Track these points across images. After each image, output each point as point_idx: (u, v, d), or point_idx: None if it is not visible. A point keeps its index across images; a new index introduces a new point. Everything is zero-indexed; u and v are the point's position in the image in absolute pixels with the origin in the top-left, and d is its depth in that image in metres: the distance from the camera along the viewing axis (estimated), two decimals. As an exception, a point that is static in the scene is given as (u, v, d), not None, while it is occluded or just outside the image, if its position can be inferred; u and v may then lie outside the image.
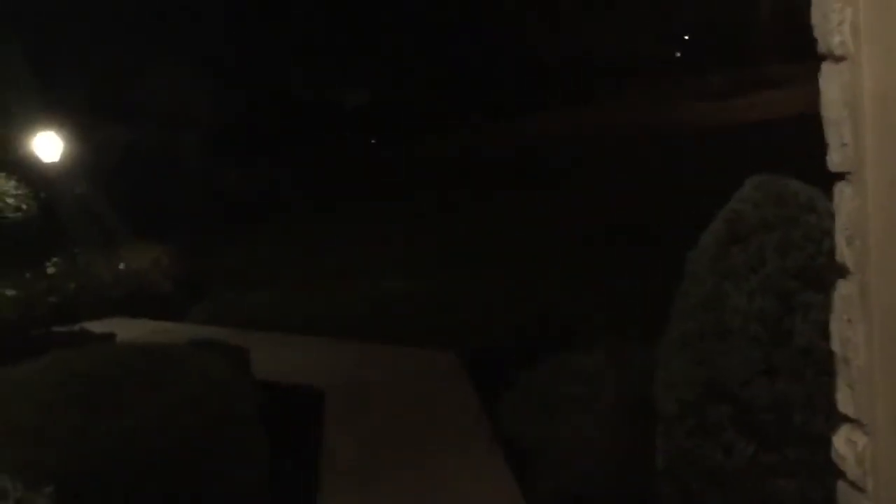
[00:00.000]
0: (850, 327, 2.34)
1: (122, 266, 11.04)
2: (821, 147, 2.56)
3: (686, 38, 34.75)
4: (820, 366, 3.19)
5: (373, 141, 29.76)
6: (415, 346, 8.15)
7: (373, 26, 26.64)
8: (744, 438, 3.32)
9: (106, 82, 18.22)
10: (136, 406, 4.53)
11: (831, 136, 2.28)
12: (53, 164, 11.91)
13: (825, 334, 3.22)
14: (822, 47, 2.23)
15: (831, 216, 3.35)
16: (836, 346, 2.47)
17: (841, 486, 2.52)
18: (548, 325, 7.07)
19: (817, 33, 2.24)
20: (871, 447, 2.39)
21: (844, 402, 2.46)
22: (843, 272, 2.37)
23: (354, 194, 18.59)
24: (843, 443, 2.48)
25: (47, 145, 11.81)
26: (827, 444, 3.21)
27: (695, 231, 3.73)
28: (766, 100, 22.68)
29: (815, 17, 2.24)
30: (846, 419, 2.49)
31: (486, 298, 8.96)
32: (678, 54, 35.05)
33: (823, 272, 3.24)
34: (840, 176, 2.29)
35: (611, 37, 31.26)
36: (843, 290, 2.34)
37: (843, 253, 2.31)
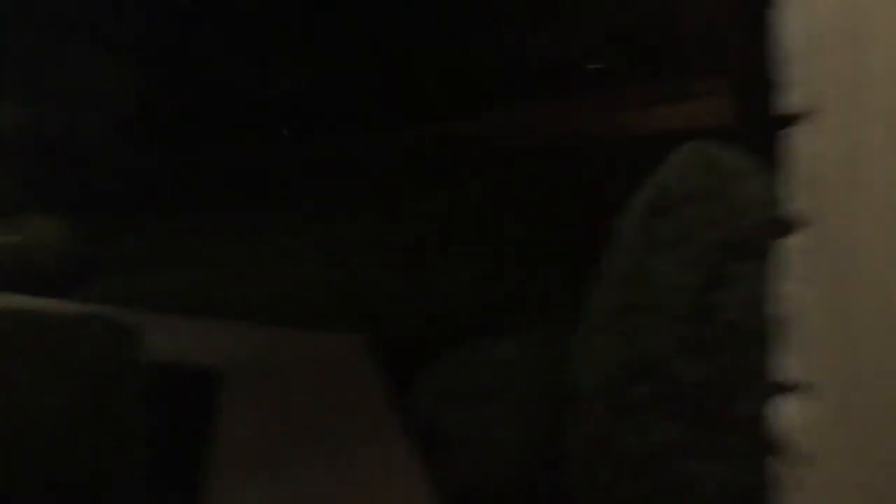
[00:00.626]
0: (803, 283, 2.15)
1: (1, 240, 10.26)
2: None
3: (605, 48, 35.37)
4: (748, 341, 3.01)
5: (285, 132, 29.16)
6: (323, 331, 7.80)
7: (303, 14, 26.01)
8: (666, 419, 3.12)
9: (7, 53, 17.20)
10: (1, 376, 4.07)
11: (788, 73, 2.08)
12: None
13: (753, 308, 3.07)
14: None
15: (766, 185, 3.20)
16: (782, 307, 2.29)
17: (783, 461, 2.33)
18: (464, 315, 6.83)
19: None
20: (821, 415, 2.20)
21: (792, 368, 2.27)
22: (795, 224, 2.19)
23: (267, 186, 18.04)
24: (789, 413, 2.29)
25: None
26: (754, 425, 3.05)
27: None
28: (685, 111, 23.09)
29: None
30: (793, 387, 2.30)
31: (402, 288, 8.67)
32: (596, 66, 35.68)
33: (753, 243, 3.08)
34: (796, 118, 2.10)
35: (532, 41, 31.52)
36: (798, 243, 2.14)
37: (800, 201, 2.12)
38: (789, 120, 2.18)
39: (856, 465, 2.11)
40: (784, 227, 3.04)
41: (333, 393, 6.42)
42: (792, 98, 2.11)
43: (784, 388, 2.36)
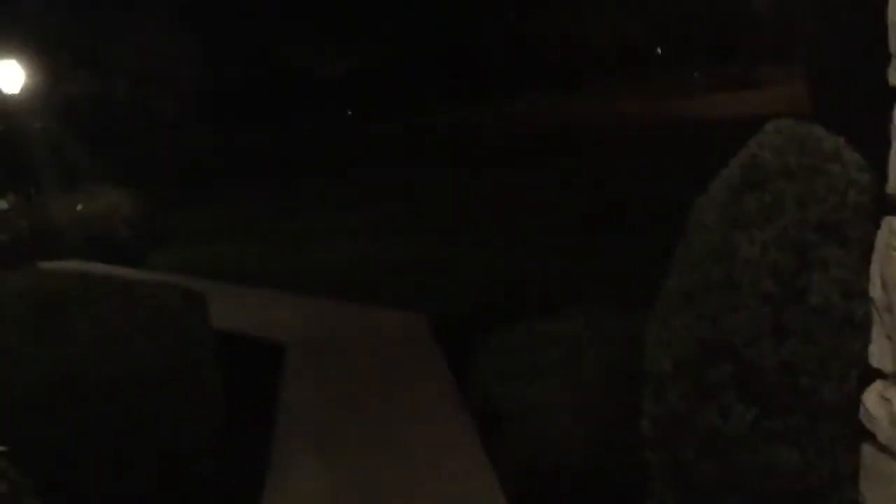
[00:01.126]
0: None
1: (79, 208, 10.53)
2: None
3: (667, 34, 34.71)
4: (835, 327, 2.93)
5: (349, 112, 29.31)
6: (383, 307, 7.83)
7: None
8: (745, 402, 3.05)
9: (85, 26, 17.57)
10: (84, 332, 4.17)
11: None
12: (13, 95, 11.29)
13: (843, 293, 2.97)
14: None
15: (858, 167, 3.09)
16: (875, 291, 2.20)
17: (867, 450, 2.26)
18: (525, 293, 6.79)
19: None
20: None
21: (881, 355, 2.19)
22: (895, 206, 2.11)
23: (331, 163, 18.18)
24: (875, 401, 2.22)
25: (8, 75, 11.17)
26: (836, 411, 2.97)
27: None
28: (746, 99, 22.64)
29: None
30: (880, 375, 2.23)
31: (461, 265, 8.66)
32: (659, 50, 35.03)
33: (846, 226, 2.98)
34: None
35: (596, 26, 31.09)
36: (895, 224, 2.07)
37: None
38: (893, 94, 2.10)
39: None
40: (879, 210, 2.94)
41: (394, 369, 6.45)
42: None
43: (875, 376, 2.28)
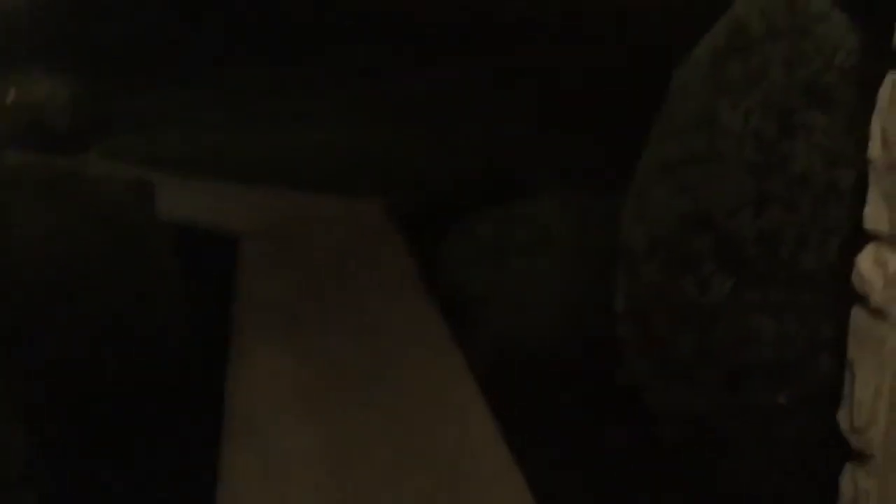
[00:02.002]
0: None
1: (11, 96, 9.95)
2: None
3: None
4: (817, 195, 2.86)
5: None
6: (341, 195, 7.65)
7: None
8: (723, 273, 3.00)
9: None
10: (33, 220, 3.95)
11: None
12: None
13: (827, 160, 2.90)
14: None
15: (846, 28, 2.96)
16: (874, 150, 2.11)
17: (857, 314, 2.22)
18: (491, 175, 6.65)
19: None
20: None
21: (876, 216, 2.12)
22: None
23: (284, 45, 17.37)
24: (870, 264, 2.16)
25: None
26: (815, 280, 2.93)
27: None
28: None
29: None
30: (875, 237, 2.16)
31: (420, 150, 8.44)
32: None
33: (832, 90, 2.87)
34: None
35: None
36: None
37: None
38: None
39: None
40: (866, 73, 2.82)
41: (355, 258, 6.34)
42: None
43: (869, 239, 2.21)
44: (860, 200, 2.78)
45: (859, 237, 2.61)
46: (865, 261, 2.13)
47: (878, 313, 2.10)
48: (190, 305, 4.88)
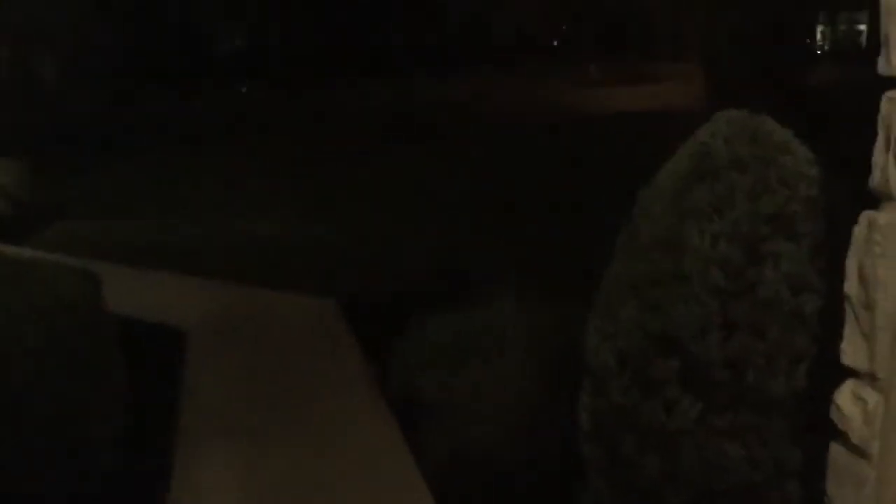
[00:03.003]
0: (881, 264, 2.01)
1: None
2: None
3: (565, 26, 35.27)
4: (783, 321, 2.90)
5: (244, 90, 28.40)
6: (290, 291, 7.52)
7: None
8: (691, 397, 2.99)
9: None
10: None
11: (893, 32, 1.93)
12: None
13: (792, 287, 2.95)
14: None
15: (807, 160, 3.07)
16: (851, 287, 2.14)
17: (836, 450, 2.21)
18: (447, 275, 6.63)
19: None
20: (883, 405, 2.09)
21: (855, 353, 2.14)
22: (877, 199, 2.05)
23: (227, 135, 17.48)
24: (849, 400, 2.17)
25: None
26: (782, 407, 2.94)
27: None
28: (644, 93, 23.21)
29: None
30: (854, 374, 2.18)
31: (373, 247, 8.41)
32: (555, 42, 35.56)
33: (797, 220, 2.95)
34: (894, 81, 1.95)
35: (497, 14, 31.28)
36: (879, 220, 2.00)
37: (887, 175, 1.97)
38: (885, 83, 2.04)
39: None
40: (832, 204, 2.90)
41: (306, 358, 6.18)
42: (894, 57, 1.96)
43: (842, 374, 2.23)
44: (824, 327, 2.83)
45: (825, 365, 2.64)
46: (844, 397, 2.14)
47: (857, 450, 2.10)
48: (134, 402, 4.69)
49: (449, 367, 4.73)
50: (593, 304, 3.41)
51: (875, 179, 2.00)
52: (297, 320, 6.95)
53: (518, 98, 23.13)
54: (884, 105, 1.94)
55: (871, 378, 2.05)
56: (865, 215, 2.07)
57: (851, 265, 2.12)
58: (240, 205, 10.99)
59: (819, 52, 26.11)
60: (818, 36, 26.30)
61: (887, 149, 1.94)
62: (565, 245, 7.17)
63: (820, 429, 2.44)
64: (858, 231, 2.08)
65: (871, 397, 2.05)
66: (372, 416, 5.08)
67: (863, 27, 28.35)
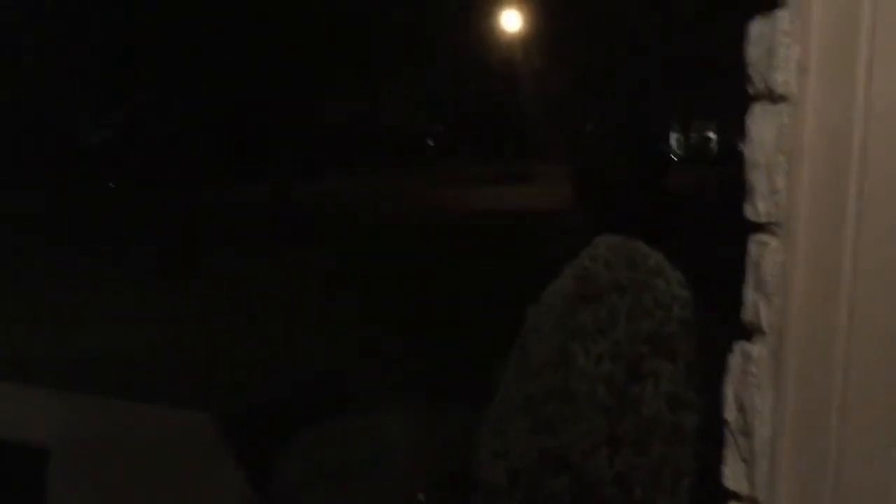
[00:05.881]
0: (757, 394, 2.16)
1: None
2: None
3: (441, 125, 36.43)
4: (665, 438, 3.03)
5: (111, 185, 27.60)
6: (164, 405, 7.19)
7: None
8: (583, 514, 3.06)
9: None
10: None
11: (758, 182, 2.12)
12: None
13: (672, 405, 3.10)
14: (758, 85, 2.08)
15: (679, 283, 3.28)
16: (730, 414, 2.28)
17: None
18: (326, 386, 6.54)
19: (753, 70, 2.09)
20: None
21: (736, 478, 2.25)
22: (750, 333, 2.21)
23: (94, 239, 16.83)
24: (728, 525, 2.27)
25: None
26: (669, 522, 3.04)
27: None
28: (518, 192, 24.14)
29: (755, 53, 2.09)
30: (736, 497, 2.29)
31: (248, 354, 8.21)
32: (430, 142, 36.64)
33: (673, 340, 3.13)
34: (761, 227, 2.14)
35: (374, 110, 31.96)
36: (753, 352, 2.16)
37: (759, 312, 2.14)
38: (752, 227, 2.22)
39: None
40: (704, 325, 3.11)
41: (179, 476, 5.89)
42: (761, 205, 2.16)
43: (729, 498, 2.34)
44: (705, 444, 2.97)
45: (707, 482, 2.76)
46: (723, 520, 2.24)
47: (742, 573, 2.19)
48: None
49: (333, 483, 4.63)
50: (483, 421, 3.47)
51: (748, 314, 2.16)
52: (169, 435, 6.63)
53: (394, 198, 23.54)
54: (752, 248, 2.12)
55: (751, 502, 2.16)
56: (739, 346, 2.22)
57: (729, 392, 2.25)
58: (107, 311, 10.54)
59: (674, 158, 28.05)
60: (673, 143, 28.28)
61: (757, 288, 2.10)
62: (453, 352, 7.26)
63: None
64: (734, 361, 2.22)
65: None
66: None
67: (712, 135, 30.80)
